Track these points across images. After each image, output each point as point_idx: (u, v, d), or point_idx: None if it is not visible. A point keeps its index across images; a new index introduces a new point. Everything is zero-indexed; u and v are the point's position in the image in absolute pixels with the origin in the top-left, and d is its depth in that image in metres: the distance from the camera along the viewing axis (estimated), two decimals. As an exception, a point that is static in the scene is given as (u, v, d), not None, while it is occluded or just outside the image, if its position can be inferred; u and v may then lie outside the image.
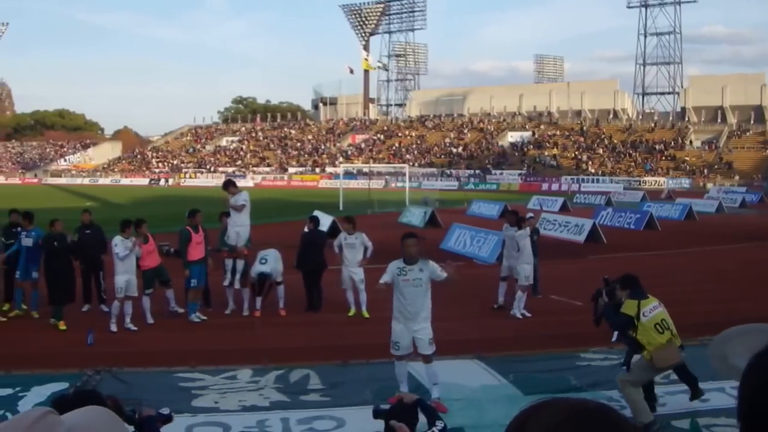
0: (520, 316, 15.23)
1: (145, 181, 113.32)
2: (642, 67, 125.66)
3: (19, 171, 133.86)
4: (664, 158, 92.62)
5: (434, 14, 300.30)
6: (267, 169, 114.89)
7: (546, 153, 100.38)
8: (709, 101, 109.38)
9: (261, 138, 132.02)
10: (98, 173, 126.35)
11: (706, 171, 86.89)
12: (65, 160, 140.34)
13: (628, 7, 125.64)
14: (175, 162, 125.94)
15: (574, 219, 31.83)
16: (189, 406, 9.61)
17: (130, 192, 79.62)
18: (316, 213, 21.21)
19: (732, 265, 23.41)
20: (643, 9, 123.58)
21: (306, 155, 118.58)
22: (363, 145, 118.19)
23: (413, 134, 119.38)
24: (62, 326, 14.17)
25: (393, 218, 39.52)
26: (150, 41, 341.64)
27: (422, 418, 6.23)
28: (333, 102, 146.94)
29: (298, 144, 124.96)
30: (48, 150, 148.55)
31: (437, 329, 14.32)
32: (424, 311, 10.15)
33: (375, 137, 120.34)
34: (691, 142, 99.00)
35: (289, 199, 60.71)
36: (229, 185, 16.24)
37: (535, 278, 16.29)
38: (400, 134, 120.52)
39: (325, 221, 27.01)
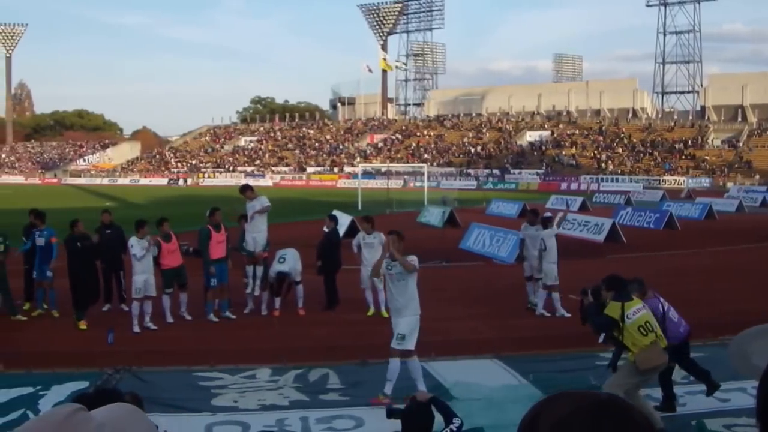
0: (548, 315, 15.24)
1: (164, 181, 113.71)
2: (661, 65, 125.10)
3: (39, 171, 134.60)
4: (683, 157, 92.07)
5: (452, 13, 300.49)
6: (285, 168, 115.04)
7: (564, 152, 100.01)
8: (729, 100, 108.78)
9: (279, 138, 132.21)
10: (117, 173, 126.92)
11: (726, 170, 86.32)
12: (84, 160, 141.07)
13: (647, 6, 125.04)
14: (193, 162, 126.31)
15: (594, 218, 31.71)
16: (208, 405, 9.65)
17: (149, 192, 79.93)
18: (335, 212, 21.21)
19: (753, 264, 23.26)
20: (663, 7, 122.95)
21: (324, 155, 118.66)
22: (381, 145, 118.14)
23: (431, 134, 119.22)
24: (82, 326, 14.24)
25: (412, 218, 39.50)
26: (168, 41, 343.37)
27: (439, 417, 6.25)
28: (351, 102, 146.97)
29: (317, 144, 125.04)
30: (67, 150, 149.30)
31: (457, 329, 14.37)
32: (408, 306, 10.28)
33: (393, 137, 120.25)
34: (711, 141, 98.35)
35: (308, 199, 60.78)
36: (245, 190, 16.22)
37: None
38: (418, 134, 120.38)
39: (344, 221, 27.08)
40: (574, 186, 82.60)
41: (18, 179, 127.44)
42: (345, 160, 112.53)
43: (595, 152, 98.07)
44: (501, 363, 11.46)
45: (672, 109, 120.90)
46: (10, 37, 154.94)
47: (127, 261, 15.47)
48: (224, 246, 15.35)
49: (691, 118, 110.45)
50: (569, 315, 14.88)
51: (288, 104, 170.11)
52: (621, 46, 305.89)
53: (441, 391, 10.00)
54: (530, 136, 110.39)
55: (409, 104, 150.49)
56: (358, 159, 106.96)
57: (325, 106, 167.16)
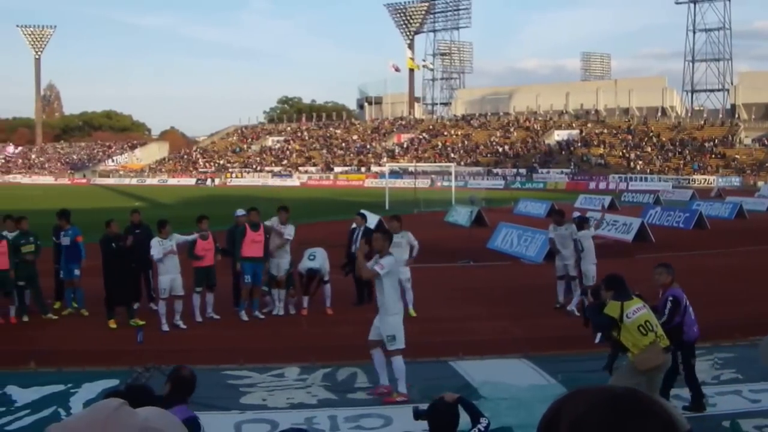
0: (578, 314, 15.15)
1: (191, 181, 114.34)
2: (691, 63, 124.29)
3: (68, 171, 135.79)
4: (713, 156, 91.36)
5: (479, 12, 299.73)
6: (312, 168, 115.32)
7: (592, 152, 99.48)
8: (760, 98, 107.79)
9: (306, 138, 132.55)
10: (145, 173, 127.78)
11: (756, 169, 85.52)
12: (113, 161, 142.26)
13: (677, 3, 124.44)
14: (221, 162, 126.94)
15: (623, 218, 31.52)
16: (237, 403, 9.70)
17: (177, 192, 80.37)
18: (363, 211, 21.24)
19: (784, 264, 23.02)
20: (692, 5, 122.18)
21: (351, 155, 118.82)
22: (408, 145, 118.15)
23: (459, 133, 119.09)
24: (112, 324, 14.34)
25: (439, 217, 39.51)
26: (196, 42, 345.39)
27: (465, 417, 6.24)
28: (378, 101, 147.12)
29: (344, 143, 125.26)
30: (96, 151, 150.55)
31: (485, 328, 14.34)
32: (385, 305, 10.17)
33: (420, 136, 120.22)
34: (741, 139, 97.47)
35: (335, 199, 60.89)
36: (282, 210, 16.09)
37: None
38: (445, 133, 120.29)
39: (371, 221, 27.08)
40: (602, 185, 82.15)
41: (47, 180, 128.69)
42: (372, 160, 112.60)
43: (624, 151, 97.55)
44: (529, 363, 11.42)
45: (702, 108, 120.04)
46: (38, 39, 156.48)
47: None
48: (261, 246, 15.33)
49: (721, 116, 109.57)
50: (578, 314, 14.86)
51: (315, 104, 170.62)
52: (650, 44, 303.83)
53: (469, 391, 9.99)
54: (558, 135, 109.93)
55: (436, 103, 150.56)
56: (385, 158, 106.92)
57: (352, 105, 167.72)
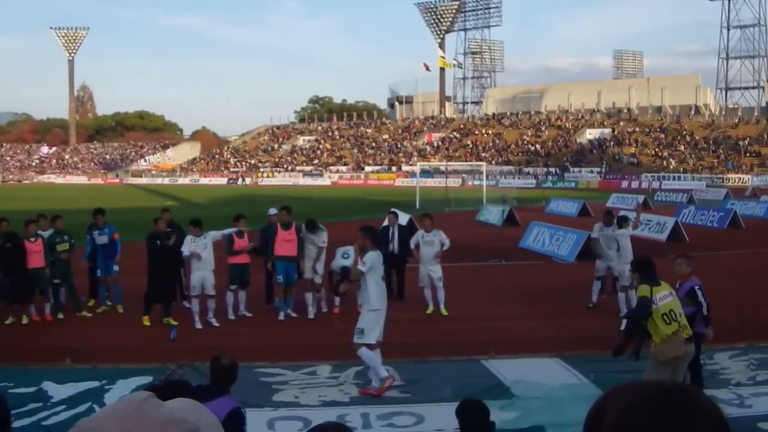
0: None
1: (223, 181, 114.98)
2: (725, 61, 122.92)
3: (101, 171, 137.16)
4: (748, 155, 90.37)
5: (510, 10, 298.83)
6: (343, 168, 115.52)
7: (624, 151, 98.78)
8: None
9: (337, 137, 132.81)
10: (177, 173, 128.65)
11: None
12: (145, 161, 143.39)
13: (710, 0, 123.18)
14: (252, 161, 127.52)
15: (656, 217, 31.28)
16: (270, 401, 9.75)
17: (209, 191, 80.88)
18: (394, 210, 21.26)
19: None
20: (726, 1, 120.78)
21: (382, 154, 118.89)
22: (439, 144, 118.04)
23: (490, 132, 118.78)
24: (146, 322, 14.45)
25: (470, 216, 39.46)
26: (227, 43, 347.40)
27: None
28: (409, 100, 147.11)
29: (374, 143, 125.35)
30: (128, 151, 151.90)
31: (517, 327, 14.30)
32: (365, 302, 10.48)
33: (451, 135, 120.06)
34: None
35: (366, 198, 60.95)
36: (311, 225, 16.02)
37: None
38: (476, 132, 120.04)
39: (402, 220, 27.09)
40: (635, 184, 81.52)
41: (81, 180, 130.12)
42: (403, 159, 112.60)
43: (657, 150, 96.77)
44: (562, 362, 11.37)
45: (736, 106, 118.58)
46: (72, 41, 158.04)
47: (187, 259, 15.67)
48: (294, 246, 15.28)
49: (756, 114, 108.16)
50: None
51: (346, 103, 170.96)
52: (683, 41, 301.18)
53: (501, 389, 9.99)
54: (590, 134, 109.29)
55: (467, 102, 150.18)
56: (416, 158, 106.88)
57: (383, 105, 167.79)
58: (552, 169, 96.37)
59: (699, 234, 30.36)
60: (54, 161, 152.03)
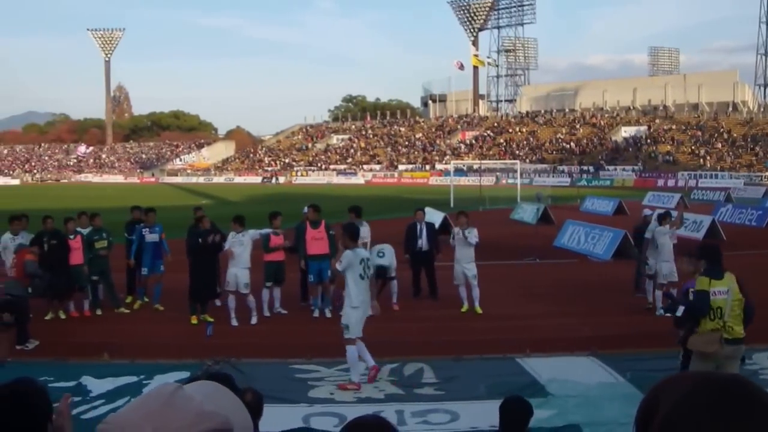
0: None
1: (257, 180, 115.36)
2: (763, 56, 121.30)
3: (138, 170, 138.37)
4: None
5: (543, 8, 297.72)
6: (377, 166, 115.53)
7: (659, 148, 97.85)
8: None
9: (371, 136, 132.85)
10: (212, 172, 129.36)
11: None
12: (180, 160, 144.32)
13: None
14: (286, 160, 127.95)
15: (692, 215, 30.92)
16: (305, 397, 9.81)
17: (243, 190, 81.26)
18: (426, 208, 21.30)
19: None
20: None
21: (416, 152, 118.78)
22: (473, 142, 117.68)
23: (524, 130, 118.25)
24: (194, 320, 14.56)
25: (505, 215, 39.34)
26: (262, 43, 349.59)
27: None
28: (442, 99, 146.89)
29: (408, 141, 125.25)
30: (164, 150, 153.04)
31: (552, 326, 14.26)
32: (348, 297, 10.65)
33: (485, 134, 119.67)
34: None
35: (400, 197, 60.91)
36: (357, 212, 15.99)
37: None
38: (510, 130, 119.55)
39: (437, 218, 27.08)
40: (671, 183, 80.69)
41: (117, 178, 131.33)
42: (436, 158, 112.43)
43: (693, 147, 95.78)
44: (598, 360, 11.32)
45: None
46: (108, 42, 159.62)
47: (221, 257, 15.77)
48: (323, 243, 15.28)
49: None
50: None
51: (379, 102, 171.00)
52: (720, 37, 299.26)
53: (536, 388, 9.97)
54: (625, 132, 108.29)
55: (501, 100, 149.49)
56: (450, 156, 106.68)
57: (416, 103, 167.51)
58: (586, 168, 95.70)
59: (737, 232, 30.04)
60: (91, 160, 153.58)
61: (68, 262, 15.00)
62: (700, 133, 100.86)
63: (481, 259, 16.40)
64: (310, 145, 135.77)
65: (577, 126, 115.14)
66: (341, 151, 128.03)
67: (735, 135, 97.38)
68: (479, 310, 15.29)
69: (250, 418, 1.81)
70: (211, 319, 14.35)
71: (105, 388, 10.08)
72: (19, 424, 3.63)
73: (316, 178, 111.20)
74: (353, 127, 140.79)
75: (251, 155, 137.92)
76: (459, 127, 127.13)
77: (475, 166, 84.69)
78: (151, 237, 16.04)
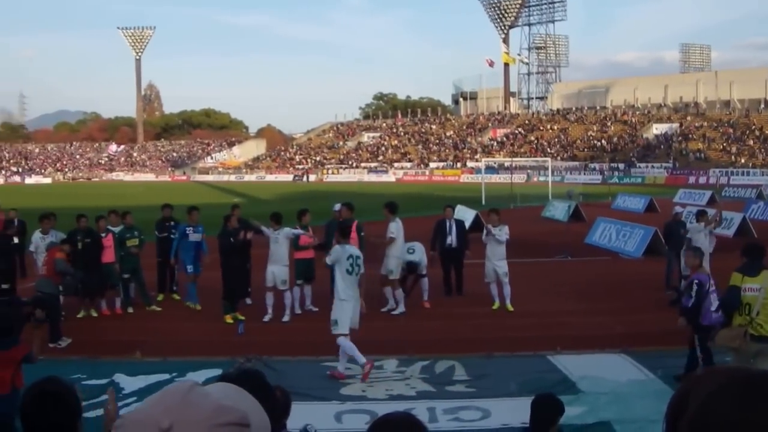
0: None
1: (288, 178, 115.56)
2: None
3: (169, 169, 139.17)
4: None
5: (575, 5, 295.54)
6: (408, 164, 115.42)
7: (690, 146, 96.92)
8: None
9: (402, 133, 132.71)
10: (243, 170, 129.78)
11: None
12: (212, 158, 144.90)
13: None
14: (317, 158, 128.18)
15: (724, 212, 30.61)
16: (337, 394, 9.84)
17: (274, 188, 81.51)
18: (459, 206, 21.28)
19: None
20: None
21: (447, 150, 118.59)
22: (504, 140, 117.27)
23: (555, 128, 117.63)
24: (228, 320, 14.62)
25: (536, 212, 39.20)
26: (292, 41, 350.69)
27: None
28: (473, 96, 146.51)
29: (439, 139, 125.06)
30: (195, 148, 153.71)
31: (583, 323, 14.20)
32: (336, 291, 11.03)
33: (516, 131, 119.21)
34: None
35: (431, 194, 60.81)
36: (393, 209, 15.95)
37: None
38: (541, 128, 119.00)
39: (468, 216, 27.04)
40: (702, 180, 79.95)
41: (149, 177, 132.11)
42: (467, 155, 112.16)
43: (725, 145, 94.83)
44: (628, 358, 11.28)
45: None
46: (139, 40, 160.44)
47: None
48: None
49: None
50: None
51: (410, 100, 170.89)
52: (752, 33, 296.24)
53: (567, 385, 9.94)
54: (657, 129, 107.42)
55: (532, 98, 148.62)
56: (481, 154, 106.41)
57: (447, 101, 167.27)
58: (618, 165, 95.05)
59: (768, 230, 29.70)
60: (122, 159, 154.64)
61: (100, 261, 15.15)
62: (731, 130, 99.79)
63: (513, 256, 16.36)
64: (341, 143, 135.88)
65: (609, 123, 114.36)
66: (372, 149, 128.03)
67: (767, 132, 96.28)
68: (510, 308, 15.27)
69: (268, 420, 1.82)
70: (243, 318, 14.43)
71: (137, 386, 10.17)
72: (51, 421, 3.67)
73: (347, 176, 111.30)
74: (384, 124, 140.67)
75: (282, 153, 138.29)
76: (490, 124, 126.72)
77: (507, 164, 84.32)
78: (194, 236, 16.11)
